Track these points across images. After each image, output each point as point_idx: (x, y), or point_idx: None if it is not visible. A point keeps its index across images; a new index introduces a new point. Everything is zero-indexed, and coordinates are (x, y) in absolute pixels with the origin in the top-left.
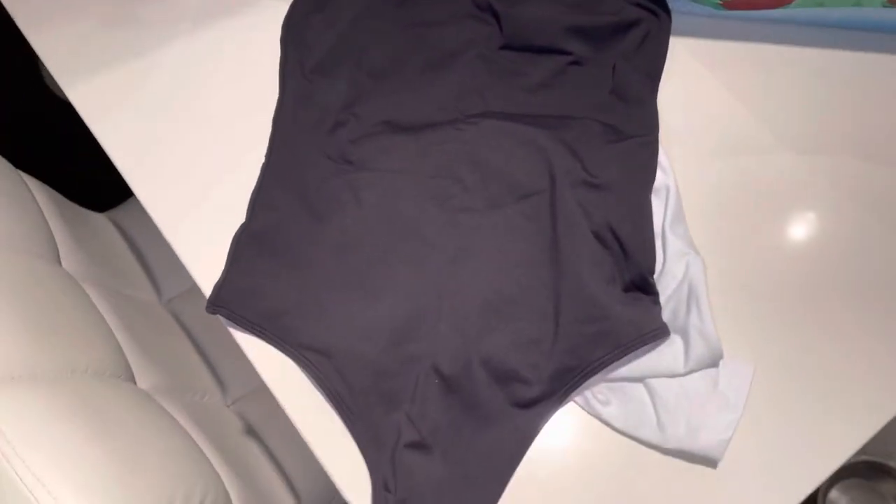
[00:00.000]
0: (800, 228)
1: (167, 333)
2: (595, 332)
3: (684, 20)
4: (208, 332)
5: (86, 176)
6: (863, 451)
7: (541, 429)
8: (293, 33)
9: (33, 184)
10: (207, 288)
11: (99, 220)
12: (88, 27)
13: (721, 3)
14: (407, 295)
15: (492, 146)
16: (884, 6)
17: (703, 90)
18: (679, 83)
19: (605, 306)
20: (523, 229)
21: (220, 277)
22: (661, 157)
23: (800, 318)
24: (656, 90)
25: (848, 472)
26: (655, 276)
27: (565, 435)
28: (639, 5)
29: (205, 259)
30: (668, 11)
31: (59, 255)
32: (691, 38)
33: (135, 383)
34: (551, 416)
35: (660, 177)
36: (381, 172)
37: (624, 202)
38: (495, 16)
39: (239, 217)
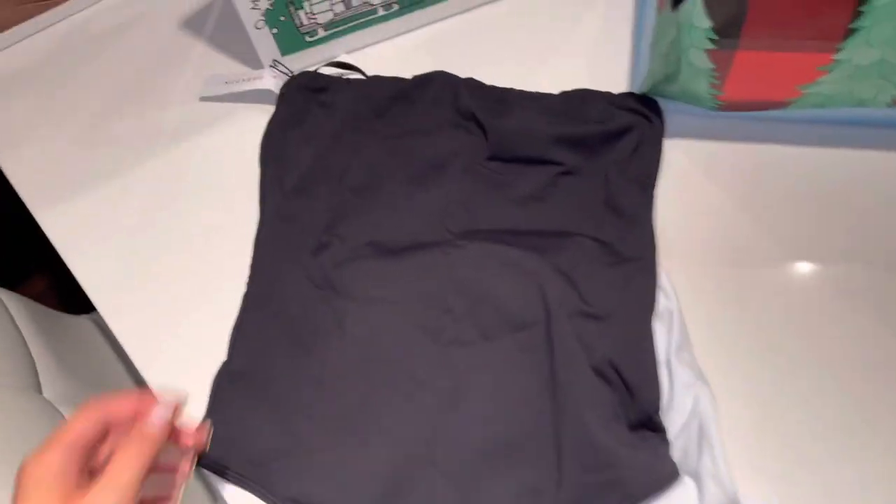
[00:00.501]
0: (809, 342)
1: None
2: (601, 481)
3: (678, 121)
4: None
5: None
6: None
7: None
8: (272, 150)
9: None
10: None
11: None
12: (62, 148)
13: (717, 105)
14: (398, 440)
15: (481, 273)
16: (889, 106)
17: (700, 194)
18: (675, 187)
19: (610, 451)
20: (520, 364)
21: None
22: (663, 278)
23: (822, 447)
24: (652, 202)
25: None
26: (662, 409)
27: None
28: (630, 110)
29: None
30: (660, 115)
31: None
32: (686, 139)
33: None
34: None
35: (662, 301)
36: (368, 301)
37: (625, 333)
38: (480, 126)
39: (219, 350)
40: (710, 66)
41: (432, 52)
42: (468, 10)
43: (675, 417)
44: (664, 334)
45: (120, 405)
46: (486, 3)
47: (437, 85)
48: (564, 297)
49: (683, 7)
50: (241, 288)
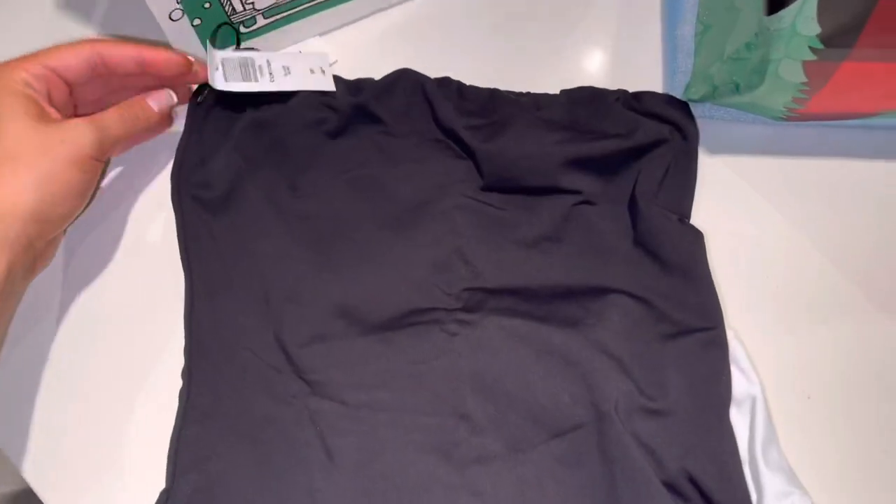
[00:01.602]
0: None
1: None
2: None
3: (717, 128)
4: None
5: None
6: None
7: None
8: (185, 190)
9: None
10: None
11: None
12: None
13: (786, 116)
14: None
15: (502, 361)
16: None
17: (753, 224)
18: (718, 216)
19: None
20: (564, 483)
21: None
22: (737, 351)
23: None
24: (702, 242)
25: None
26: None
27: None
28: (656, 117)
29: None
30: (694, 123)
31: None
32: (733, 153)
33: None
34: None
35: (739, 382)
36: (353, 408)
37: (698, 432)
38: (469, 151)
39: (153, 477)
40: (802, 79)
41: (401, 42)
42: None
43: None
44: (745, 428)
45: (120, 50)
46: None
47: (403, 90)
48: (617, 388)
49: (786, 11)
50: (172, 390)
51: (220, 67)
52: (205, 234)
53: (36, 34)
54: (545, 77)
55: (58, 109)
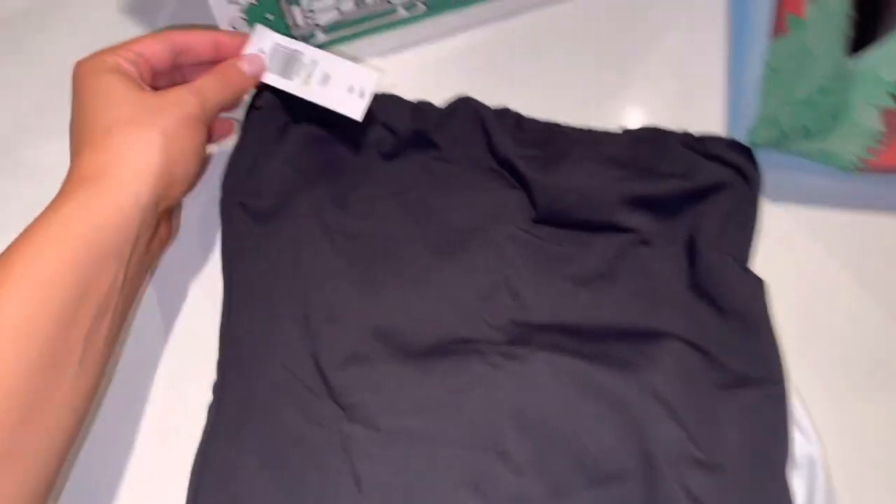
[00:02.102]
0: None
1: None
2: None
3: (783, 178)
4: None
5: None
6: None
7: None
8: (235, 198)
9: None
10: None
11: None
12: None
13: (858, 167)
14: None
15: (548, 398)
16: None
17: (819, 280)
18: (784, 267)
19: None
20: None
21: None
22: (798, 409)
23: None
24: (763, 292)
25: None
26: None
27: None
28: (718, 160)
29: None
30: (757, 169)
31: None
32: (799, 204)
33: None
34: None
35: (799, 443)
36: (386, 435)
37: (752, 491)
38: (522, 179)
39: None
40: (879, 128)
41: (463, 68)
42: (513, 14)
43: None
44: (803, 492)
45: (197, 37)
46: (537, 6)
47: (463, 118)
48: (667, 435)
49: (869, 53)
50: (202, 405)
51: (267, 53)
52: (250, 244)
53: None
54: (605, 115)
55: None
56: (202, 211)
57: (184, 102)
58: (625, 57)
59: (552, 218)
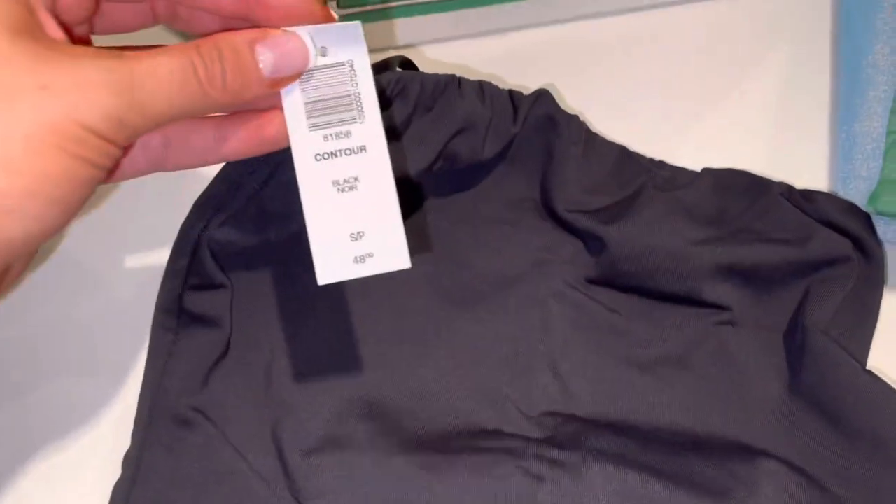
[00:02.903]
0: None
1: None
2: None
3: None
4: None
5: None
6: None
7: None
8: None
9: None
10: None
11: None
12: None
13: None
14: None
15: None
16: None
17: None
18: None
19: None
20: None
21: None
22: None
23: None
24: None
25: None
26: None
27: None
28: (832, 226)
29: None
30: (878, 241)
31: None
32: None
33: None
34: None
35: None
36: None
37: None
38: (577, 233)
39: None
40: None
41: (546, 63)
42: (594, 16)
43: None
44: None
45: None
46: (618, 13)
47: (533, 121)
48: None
49: None
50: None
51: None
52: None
53: None
54: (683, 148)
55: (69, 25)
56: None
57: (81, 89)
58: (712, 88)
59: (615, 280)
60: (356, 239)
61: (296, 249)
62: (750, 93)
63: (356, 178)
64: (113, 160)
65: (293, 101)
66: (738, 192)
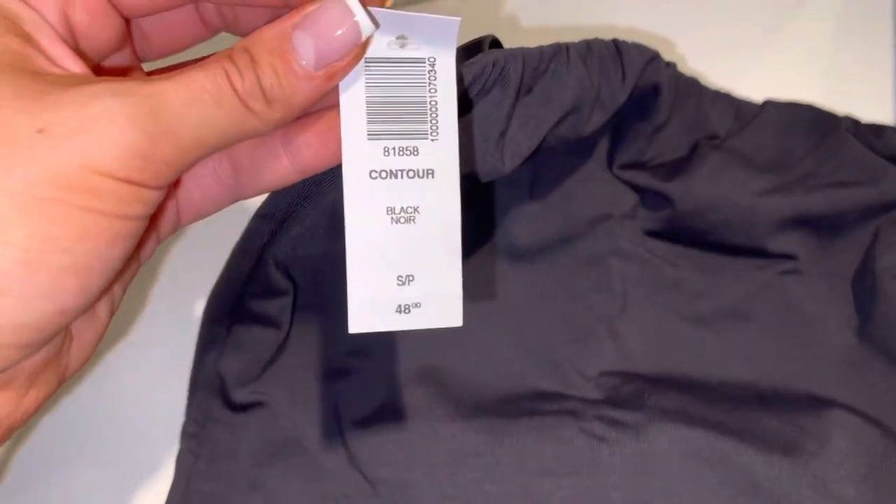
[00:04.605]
0: None
1: None
2: None
3: None
4: None
5: None
6: None
7: None
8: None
9: None
10: None
11: None
12: None
13: None
14: None
15: (679, 491)
16: None
17: None
18: None
19: None
20: None
21: None
22: None
23: None
24: None
25: None
26: None
27: None
28: None
29: None
30: None
31: None
32: None
33: None
34: None
35: None
36: None
37: None
38: (638, 189)
39: None
40: None
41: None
42: None
43: None
44: None
45: None
46: None
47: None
48: None
49: None
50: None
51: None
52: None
53: None
54: (744, 76)
55: (100, 54)
56: None
57: (95, 128)
58: (771, 14)
59: (677, 234)
60: (404, 283)
61: None
62: (807, 16)
63: (416, 209)
64: (148, 205)
65: (352, 96)
66: (802, 130)
